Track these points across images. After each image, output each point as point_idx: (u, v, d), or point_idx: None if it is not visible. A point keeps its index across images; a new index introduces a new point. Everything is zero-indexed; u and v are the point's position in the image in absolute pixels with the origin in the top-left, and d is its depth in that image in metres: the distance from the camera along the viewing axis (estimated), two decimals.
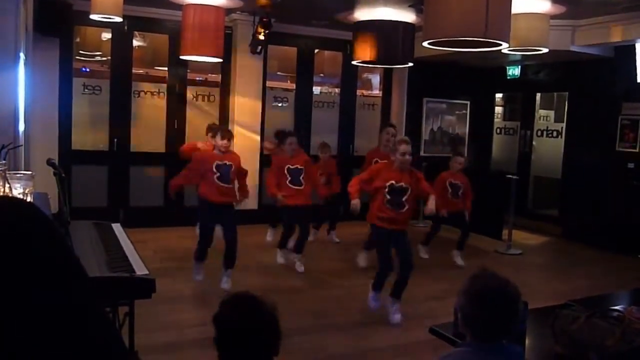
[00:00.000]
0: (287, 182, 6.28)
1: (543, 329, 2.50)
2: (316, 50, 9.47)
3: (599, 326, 2.05)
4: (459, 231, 7.15)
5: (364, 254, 6.75)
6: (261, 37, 7.67)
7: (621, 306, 2.91)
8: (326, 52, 9.82)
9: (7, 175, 2.76)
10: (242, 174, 5.88)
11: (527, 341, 2.52)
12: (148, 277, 2.88)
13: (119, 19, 5.88)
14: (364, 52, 7.40)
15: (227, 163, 5.59)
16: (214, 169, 5.53)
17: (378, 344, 4.67)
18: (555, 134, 9.71)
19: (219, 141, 5.57)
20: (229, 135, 5.69)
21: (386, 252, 5.04)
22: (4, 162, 2.86)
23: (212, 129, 6.91)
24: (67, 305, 1.08)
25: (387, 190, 4.92)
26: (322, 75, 9.88)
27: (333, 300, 5.58)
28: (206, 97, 8.79)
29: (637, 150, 8.05)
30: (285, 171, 6.30)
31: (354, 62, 7.87)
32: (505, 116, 11.13)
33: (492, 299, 1.97)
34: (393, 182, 4.92)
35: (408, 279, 4.99)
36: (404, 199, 4.94)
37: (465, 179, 7.07)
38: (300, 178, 6.32)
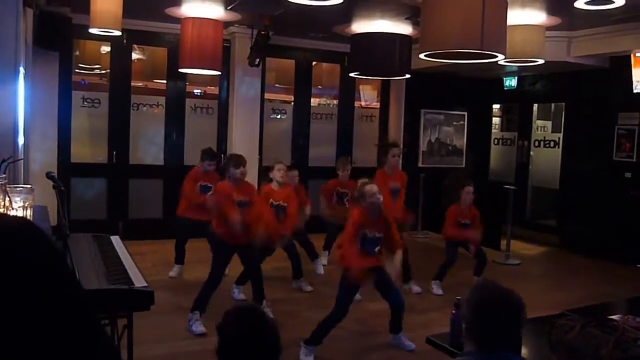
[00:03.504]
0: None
1: (540, 338, 2.51)
2: (314, 63, 9.53)
3: (594, 335, 2.07)
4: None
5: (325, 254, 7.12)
6: (259, 50, 7.72)
7: (618, 315, 2.93)
8: (324, 64, 9.88)
9: (7, 188, 2.78)
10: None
11: (523, 350, 2.53)
12: (147, 289, 2.90)
13: (118, 33, 5.92)
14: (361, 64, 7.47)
15: (243, 199, 5.08)
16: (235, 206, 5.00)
17: (376, 355, 4.67)
18: (552, 144, 9.74)
19: (233, 170, 5.05)
20: (244, 162, 5.13)
21: (349, 300, 4.53)
22: (3, 175, 2.88)
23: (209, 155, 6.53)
24: (63, 320, 1.09)
25: (360, 240, 4.44)
26: (320, 87, 9.93)
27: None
28: (205, 110, 8.83)
29: (634, 160, 8.09)
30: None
31: (351, 74, 7.92)
32: (503, 127, 11.18)
33: (495, 309, 1.98)
34: (366, 231, 4.44)
35: (403, 313, 4.69)
36: (376, 249, 4.54)
37: (475, 212, 6.40)
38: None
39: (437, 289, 6.32)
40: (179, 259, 6.57)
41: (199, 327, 4.80)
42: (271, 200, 5.85)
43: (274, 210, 5.83)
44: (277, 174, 5.88)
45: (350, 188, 6.72)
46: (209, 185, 6.31)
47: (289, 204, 5.90)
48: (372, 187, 4.43)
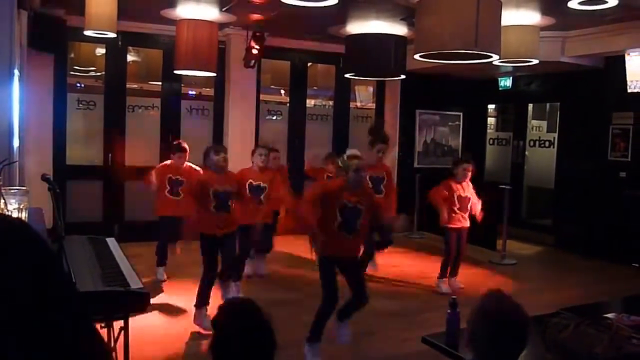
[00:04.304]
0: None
1: (534, 337, 2.52)
2: (309, 64, 9.54)
3: (588, 334, 2.08)
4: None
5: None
6: (254, 51, 7.72)
7: (612, 314, 2.94)
8: (319, 66, 9.89)
9: (2, 191, 2.78)
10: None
11: None
12: (142, 290, 2.90)
13: (113, 35, 5.91)
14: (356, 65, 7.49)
15: (224, 189, 5.03)
16: (211, 196, 4.96)
17: (374, 354, 4.68)
18: (547, 144, 9.77)
19: (214, 157, 5.01)
20: (225, 149, 5.16)
21: (333, 283, 4.33)
22: None
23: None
24: (57, 321, 1.09)
25: (339, 211, 4.23)
26: (315, 88, 9.94)
27: None
28: (200, 111, 8.83)
29: (628, 159, 8.12)
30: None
31: (346, 75, 7.93)
32: (498, 127, 11.22)
33: (500, 322, 1.98)
34: (346, 201, 4.23)
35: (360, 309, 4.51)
36: (358, 222, 4.31)
37: (472, 189, 6.37)
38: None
39: (445, 288, 6.24)
40: (161, 260, 6.47)
41: (208, 322, 4.73)
42: (250, 180, 5.77)
43: (252, 191, 5.76)
44: (257, 159, 5.82)
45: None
46: (180, 179, 6.25)
47: (270, 187, 5.84)
48: (360, 163, 4.24)
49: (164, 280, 6.38)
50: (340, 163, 4.33)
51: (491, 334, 1.97)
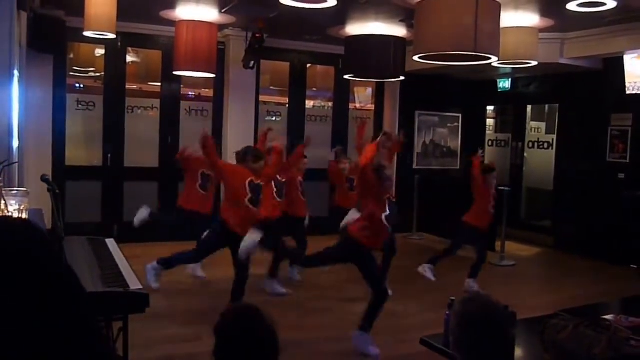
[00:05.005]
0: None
1: (533, 338, 2.53)
2: (309, 65, 9.54)
3: (586, 335, 2.08)
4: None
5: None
6: (254, 52, 7.73)
7: (611, 315, 2.95)
8: (318, 67, 9.89)
9: (3, 192, 2.79)
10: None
11: (517, 351, 2.55)
12: (142, 291, 2.91)
13: (112, 36, 5.92)
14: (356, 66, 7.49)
15: (261, 183, 5.23)
16: (247, 188, 5.08)
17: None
18: (546, 145, 9.79)
19: (252, 165, 5.17)
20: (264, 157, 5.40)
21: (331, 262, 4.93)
22: None
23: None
24: (63, 321, 1.09)
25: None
26: (314, 89, 9.95)
27: (326, 312, 5.59)
28: (199, 112, 8.83)
29: (627, 160, 8.14)
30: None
31: (346, 77, 7.94)
32: (497, 128, 11.22)
33: (481, 324, 1.96)
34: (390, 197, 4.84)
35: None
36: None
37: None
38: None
39: (430, 275, 6.41)
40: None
41: (154, 279, 5.35)
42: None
43: (277, 187, 5.99)
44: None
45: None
46: (211, 174, 6.29)
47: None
48: (389, 172, 4.77)
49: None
50: (376, 165, 4.68)
51: (473, 339, 1.95)
